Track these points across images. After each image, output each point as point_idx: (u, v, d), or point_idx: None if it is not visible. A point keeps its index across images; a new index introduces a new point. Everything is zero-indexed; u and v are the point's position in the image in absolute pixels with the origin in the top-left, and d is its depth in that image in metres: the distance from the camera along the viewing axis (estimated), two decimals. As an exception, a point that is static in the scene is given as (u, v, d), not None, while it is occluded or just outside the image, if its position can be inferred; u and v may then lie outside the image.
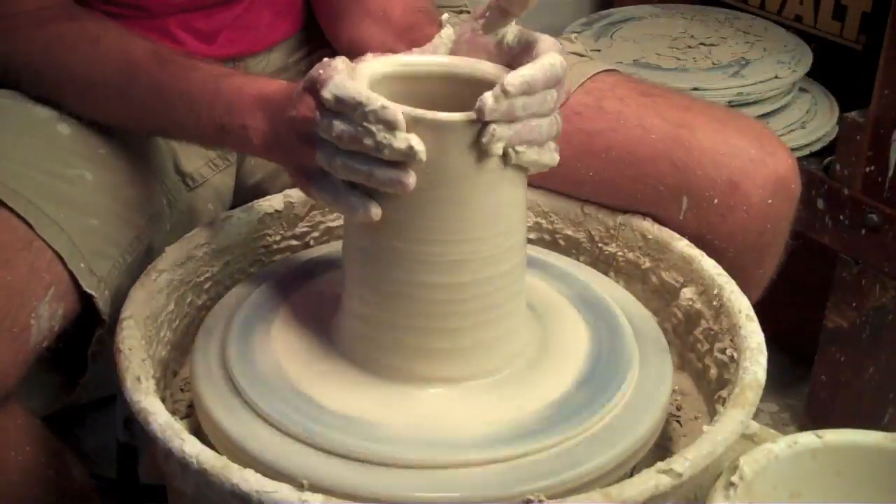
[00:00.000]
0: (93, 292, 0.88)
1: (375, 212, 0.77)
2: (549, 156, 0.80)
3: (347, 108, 0.75)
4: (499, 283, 0.82)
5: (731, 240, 0.98)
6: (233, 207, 1.11)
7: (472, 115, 0.76)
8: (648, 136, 0.98)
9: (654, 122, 0.98)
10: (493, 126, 0.75)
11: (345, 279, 0.85)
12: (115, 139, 0.97)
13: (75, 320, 0.90)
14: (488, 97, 0.74)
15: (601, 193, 1.02)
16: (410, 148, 0.74)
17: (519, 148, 0.77)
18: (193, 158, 1.09)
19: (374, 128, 0.74)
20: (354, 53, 0.88)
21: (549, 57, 0.78)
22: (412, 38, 0.96)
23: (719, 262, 0.95)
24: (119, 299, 0.91)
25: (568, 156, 0.98)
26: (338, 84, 0.75)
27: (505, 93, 0.74)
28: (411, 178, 0.75)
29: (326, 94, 0.75)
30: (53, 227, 0.87)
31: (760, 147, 0.97)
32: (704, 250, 0.97)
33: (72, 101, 0.95)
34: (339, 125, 0.75)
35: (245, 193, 1.13)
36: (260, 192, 1.11)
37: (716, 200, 0.96)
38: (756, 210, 0.96)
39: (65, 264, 0.87)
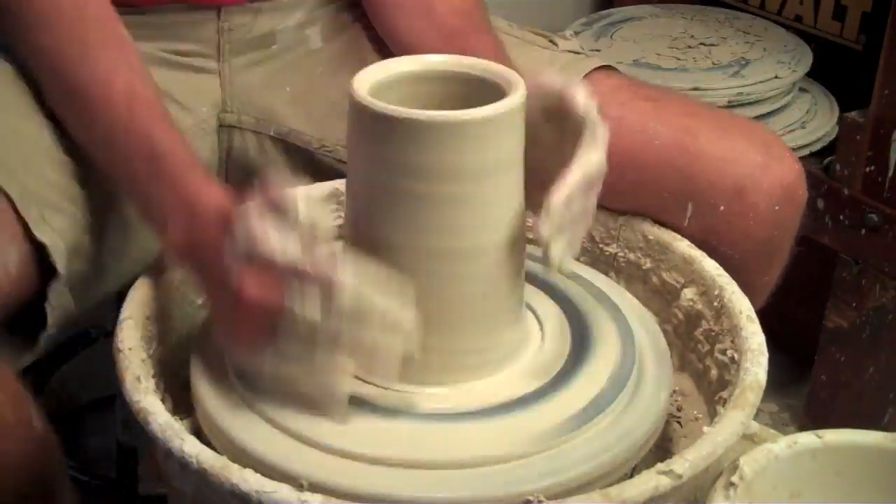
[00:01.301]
0: (45, 240, 0.87)
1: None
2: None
3: (364, 315, 0.73)
4: (501, 276, 0.82)
5: (737, 246, 0.97)
6: (229, 183, 1.11)
7: (475, 112, 0.76)
8: (652, 143, 0.97)
9: (657, 129, 0.97)
10: (552, 248, 0.78)
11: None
12: None
13: (32, 277, 0.88)
14: (541, 226, 0.77)
15: (604, 198, 1.01)
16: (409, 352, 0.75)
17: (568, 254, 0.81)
18: None
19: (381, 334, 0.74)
20: (398, 49, 0.90)
21: (585, 161, 0.79)
22: (459, 45, 0.95)
23: (724, 268, 0.95)
24: (83, 256, 0.90)
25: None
26: (358, 293, 0.72)
27: (550, 214, 0.76)
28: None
29: (347, 300, 0.71)
30: (4, 172, 0.87)
31: (767, 153, 0.96)
32: (710, 256, 0.96)
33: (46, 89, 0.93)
34: (344, 328, 0.73)
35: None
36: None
37: (721, 207, 0.95)
38: (762, 217, 0.96)
39: (16, 211, 0.86)
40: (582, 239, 0.82)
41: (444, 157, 0.76)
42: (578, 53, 1.08)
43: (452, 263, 0.80)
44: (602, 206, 1.01)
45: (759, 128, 1.02)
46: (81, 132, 0.91)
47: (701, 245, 0.97)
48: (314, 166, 1.09)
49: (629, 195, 0.99)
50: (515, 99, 0.78)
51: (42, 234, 0.87)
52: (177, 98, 1.05)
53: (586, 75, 1.02)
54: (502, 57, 0.98)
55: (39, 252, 0.88)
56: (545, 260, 0.79)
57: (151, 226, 0.86)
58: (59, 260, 0.89)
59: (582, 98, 0.80)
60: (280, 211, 0.73)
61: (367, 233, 0.81)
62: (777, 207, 0.96)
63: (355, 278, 0.72)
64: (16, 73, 0.95)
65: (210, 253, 0.77)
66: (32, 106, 0.93)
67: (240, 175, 1.12)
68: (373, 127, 0.77)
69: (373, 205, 0.80)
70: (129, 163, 0.86)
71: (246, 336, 0.76)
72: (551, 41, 1.09)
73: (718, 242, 0.97)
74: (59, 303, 0.90)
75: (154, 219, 0.85)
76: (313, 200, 0.74)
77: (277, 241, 0.72)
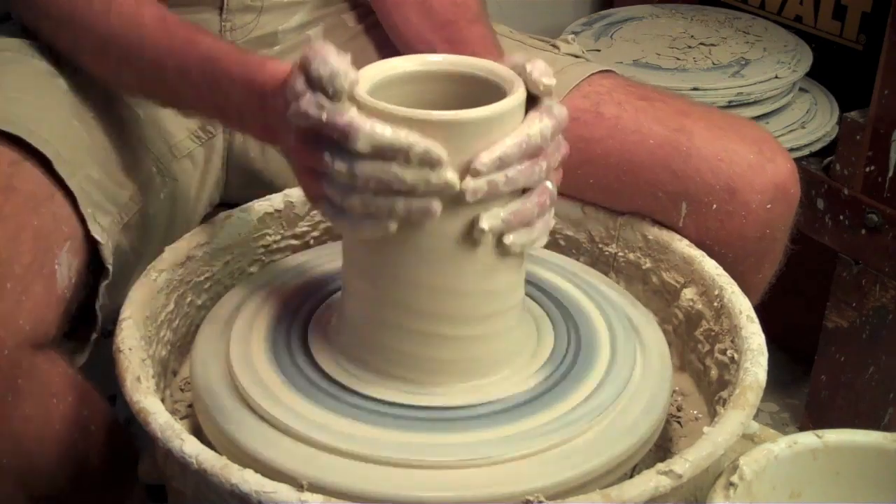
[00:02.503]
0: (99, 238, 0.90)
1: (393, 227, 0.77)
2: (542, 238, 0.81)
3: (387, 155, 0.74)
4: (500, 275, 0.81)
5: (731, 245, 0.97)
6: (230, 183, 1.12)
7: (475, 112, 0.76)
8: (647, 142, 0.97)
9: (651, 128, 0.98)
10: (479, 215, 0.76)
11: (344, 279, 0.85)
12: (101, 102, 0.98)
13: (85, 278, 0.91)
14: (467, 181, 0.75)
15: (601, 199, 1.02)
16: (446, 183, 0.75)
17: (511, 235, 0.78)
18: (176, 130, 1.08)
19: (411, 171, 0.74)
20: (400, 42, 0.95)
21: (527, 126, 0.77)
22: (449, 34, 0.98)
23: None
24: (118, 257, 0.93)
25: (567, 164, 0.99)
26: (375, 133, 0.73)
27: (476, 173, 0.75)
28: (438, 204, 0.75)
29: (361, 146, 0.73)
30: (69, 168, 0.89)
31: (759, 153, 0.96)
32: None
33: (88, 59, 0.95)
34: (366, 171, 0.74)
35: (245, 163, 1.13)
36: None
37: (714, 206, 0.96)
38: (755, 216, 0.96)
39: (77, 210, 0.89)
40: (544, 229, 0.81)
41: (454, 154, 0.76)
42: (579, 57, 1.08)
43: (452, 261, 0.79)
44: (600, 207, 1.02)
45: (752, 126, 1.03)
46: (128, 78, 0.93)
47: (696, 245, 0.97)
48: None
49: (626, 196, 1.00)
50: (515, 99, 0.78)
51: (96, 233, 0.90)
52: None
53: (585, 79, 1.03)
54: (492, 46, 0.98)
55: (89, 252, 0.90)
56: (476, 231, 0.77)
57: (228, 124, 0.92)
58: (109, 258, 0.91)
59: (538, 73, 0.78)
60: (311, 73, 0.75)
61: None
62: (769, 206, 0.96)
63: (373, 125, 0.74)
64: (54, 72, 0.97)
65: (282, 126, 0.79)
66: (75, 106, 0.96)
67: (240, 175, 1.12)
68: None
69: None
70: (186, 78, 0.88)
71: (310, 193, 0.80)
72: (552, 45, 1.10)
73: (713, 242, 0.97)
74: (105, 302, 0.92)
75: (229, 117, 0.88)
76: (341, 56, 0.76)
77: (305, 104, 0.75)
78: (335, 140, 0.74)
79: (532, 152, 0.77)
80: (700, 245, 0.97)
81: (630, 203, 1.00)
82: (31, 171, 0.88)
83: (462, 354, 0.82)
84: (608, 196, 1.01)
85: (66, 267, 0.86)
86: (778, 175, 0.96)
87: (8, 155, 0.87)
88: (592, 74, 1.03)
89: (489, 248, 0.79)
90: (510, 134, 0.76)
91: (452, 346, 0.82)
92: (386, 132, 0.73)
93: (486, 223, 0.77)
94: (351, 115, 0.74)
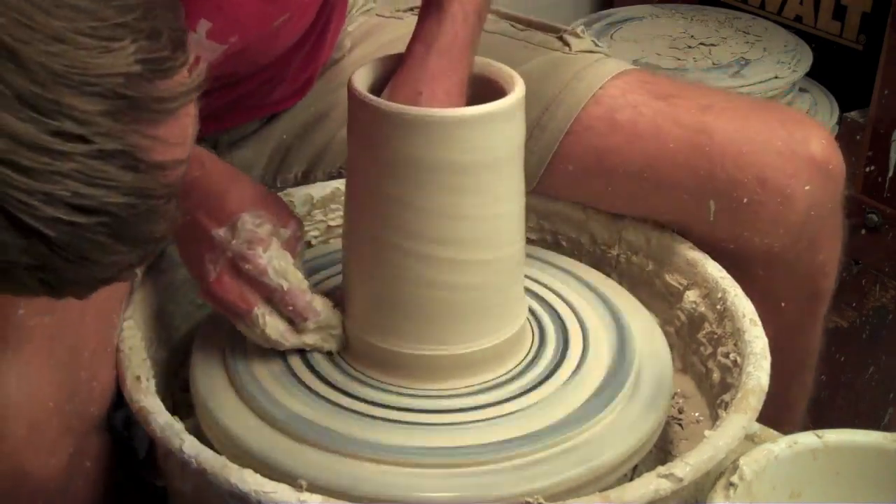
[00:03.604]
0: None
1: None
2: None
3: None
4: (500, 269, 0.82)
5: (772, 233, 0.94)
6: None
7: (473, 109, 0.76)
8: (666, 147, 0.93)
9: (670, 130, 0.94)
10: None
11: (346, 276, 0.85)
12: None
13: None
14: None
15: (621, 206, 0.99)
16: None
17: None
18: None
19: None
20: None
21: None
22: None
23: (770, 257, 0.94)
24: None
25: (582, 173, 0.95)
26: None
27: None
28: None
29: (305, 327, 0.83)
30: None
31: (788, 136, 0.93)
32: (746, 249, 0.94)
33: None
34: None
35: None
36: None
37: (745, 199, 0.92)
38: (792, 200, 0.92)
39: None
40: None
41: (443, 154, 0.76)
42: (593, 53, 1.02)
43: (451, 259, 0.79)
44: (615, 213, 1.00)
45: (780, 109, 0.98)
46: None
47: (734, 240, 0.95)
48: None
49: (648, 201, 0.97)
50: (514, 96, 0.78)
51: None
52: None
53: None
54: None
55: None
56: None
57: None
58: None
59: None
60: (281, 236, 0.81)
61: (367, 230, 0.81)
62: (808, 187, 0.92)
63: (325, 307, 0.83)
64: None
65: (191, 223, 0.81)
66: None
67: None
68: (371, 123, 0.77)
69: (372, 201, 0.80)
70: None
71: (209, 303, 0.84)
72: (561, 38, 1.04)
73: (751, 233, 0.94)
74: None
75: None
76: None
77: (264, 263, 0.81)
78: (273, 296, 0.82)
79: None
80: (739, 238, 0.94)
81: (653, 207, 0.97)
82: None
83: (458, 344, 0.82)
84: (628, 202, 0.98)
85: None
86: (812, 153, 0.93)
87: None
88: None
89: (501, 155, 0.79)
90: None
91: (449, 334, 0.81)
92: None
93: None
94: (313, 303, 0.83)
